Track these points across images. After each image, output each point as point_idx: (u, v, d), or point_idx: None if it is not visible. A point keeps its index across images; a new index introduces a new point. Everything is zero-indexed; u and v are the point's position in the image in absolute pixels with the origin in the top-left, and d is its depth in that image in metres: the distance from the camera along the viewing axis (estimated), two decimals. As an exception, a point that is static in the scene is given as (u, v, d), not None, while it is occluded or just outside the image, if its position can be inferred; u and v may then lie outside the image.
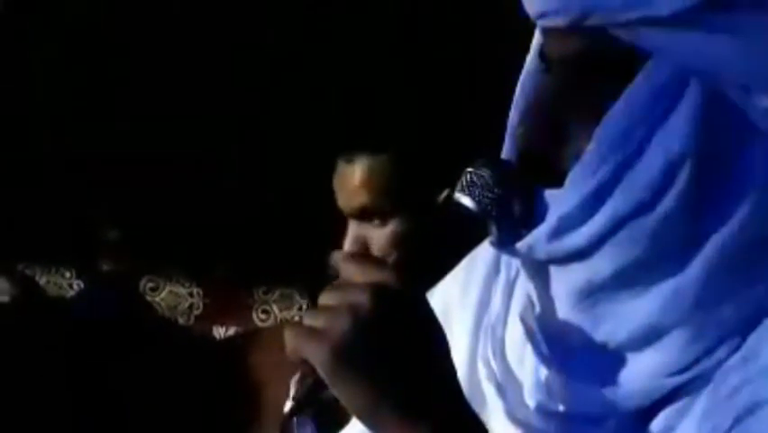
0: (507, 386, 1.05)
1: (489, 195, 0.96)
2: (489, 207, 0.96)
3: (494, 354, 1.08)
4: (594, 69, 0.95)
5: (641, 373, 0.97)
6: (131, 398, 3.15)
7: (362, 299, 0.89)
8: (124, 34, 3.30)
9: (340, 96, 3.12)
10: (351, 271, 0.92)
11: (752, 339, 0.95)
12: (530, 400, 1.02)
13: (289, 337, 0.90)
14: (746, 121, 0.94)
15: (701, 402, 0.95)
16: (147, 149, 3.34)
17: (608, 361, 0.98)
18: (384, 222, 2.08)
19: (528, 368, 1.03)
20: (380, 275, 0.91)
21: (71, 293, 3.35)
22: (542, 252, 0.97)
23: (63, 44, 3.30)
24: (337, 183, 2.16)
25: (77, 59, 3.31)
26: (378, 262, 0.94)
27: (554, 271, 0.99)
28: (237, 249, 3.27)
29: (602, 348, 0.98)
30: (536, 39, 1.01)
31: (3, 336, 3.20)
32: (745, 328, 0.95)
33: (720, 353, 0.95)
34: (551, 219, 0.96)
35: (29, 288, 3.30)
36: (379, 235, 2.09)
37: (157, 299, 3.36)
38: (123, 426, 3.14)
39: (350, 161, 2.13)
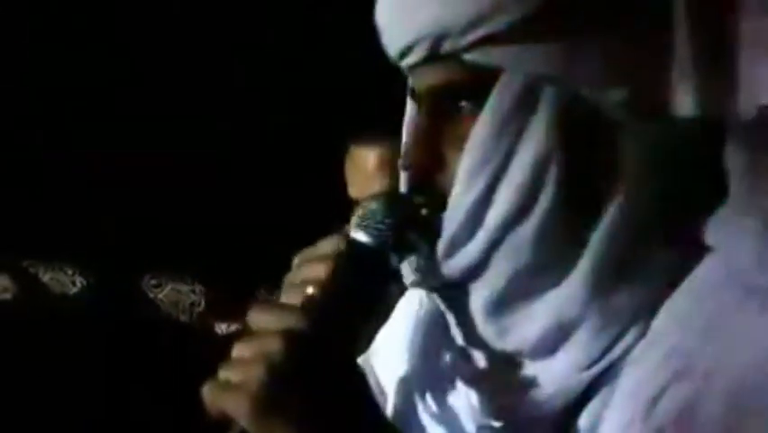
0: (444, 416, 1.08)
1: (382, 226, 0.98)
2: (385, 239, 0.98)
3: (429, 387, 1.10)
4: (458, 93, 0.99)
5: (557, 373, 1.00)
6: (133, 392, 3.16)
7: (274, 346, 0.90)
8: (125, 33, 3.31)
9: (349, 84, 3.13)
10: (261, 320, 0.93)
11: (657, 321, 0.98)
12: (468, 424, 1.05)
13: (207, 393, 0.91)
14: (602, 116, 0.97)
15: (620, 389, 0.97)
16: (150, 147, 3.35)
17: (525, 369, 1.02)
18: None
19: (461, 393, 1.06)
20: (289, 321, 0.92)
21: (74, 290, 3.36)
22: (438, 276, 1.01)
23: (64, 43, 3.31)
24: (351, 169, 2.15)
25: (79, 58, 3.32)
26: (286, 309, 0.94)
27: (460, 292, 1.02)
28: (239, 246, 3.28)
29: (517, 358, 1.02)
30: (410, 81, 1.05)
31: (6, 332, 3.21)
32: (646, 313, 0.98)
33: (627, 340, 0.98)
34: (442, 242, 1.00)
35: (32, 285, 3.32)
36: None
37: (159, 295, 3.37)
38: (125, 420, 3.15)
39: (364, 145, 2.12)
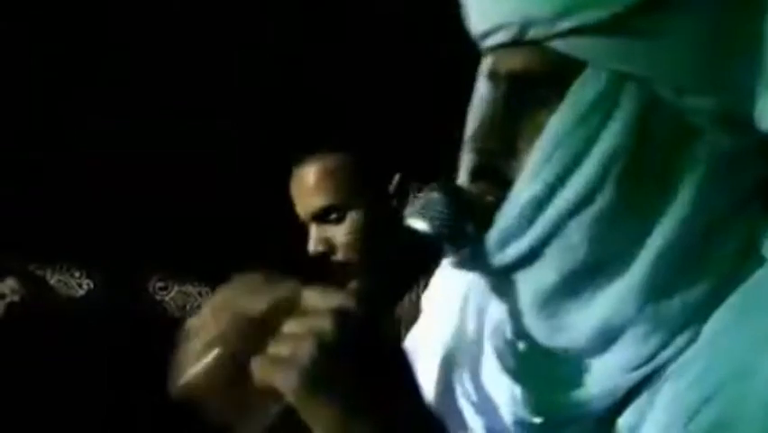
0: (482, 405, 1.08)
1: (441, 216, 0.99)
2: (442, 229, 0.99)
3: (469, 375, 1.11)
4: (537, 81, 0.99)
5: (603, 373, 1.00)
6: (138, 395, 3.17)
7: (325, 324, 0.91)
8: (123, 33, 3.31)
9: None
10: (312, 300, 0.94)
11: (708, 328, 0.98)
12: (507, 415, 1.05)
13: (257, 367, 0.92)
14: (683, 121, 0.96)
15: (666, 393, 0.97)
16: (156, 149, 3.35)
17: (572, 367, 1.02)
18: (342, 218, 2.13)
19: (503, 385, 1.06)
20: (341, 301, 0.93)
21: (81, 293, 3.36)
22: (488, 264, 1.01)
23: (65, 43, 3.31)
24: (293, 190, 2.22)
25: (78, 58, 3.32)
26: (338, 290, 0.96)
27: (509, 285, 1.02)
28: (246, 248, 3.28)
29: (564, 355, 1.02)
30: (484, 62, 1.05)
31: (14, 334, 3.22)
32: (699, 318, 0.98)
33: (677, 343, 0.98)
34: (495, 231, 1.00)
35: (39, 287, 3.32)
36: (339, 232, 2.14)
37: (167, 298, 3.37)
38: (130, 422, 3.15)
39: (299, 166, 2.19)
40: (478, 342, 1.11)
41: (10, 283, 3.29)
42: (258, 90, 3.30)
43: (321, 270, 2.18)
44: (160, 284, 3.37)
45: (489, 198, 1.01)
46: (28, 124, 3.33)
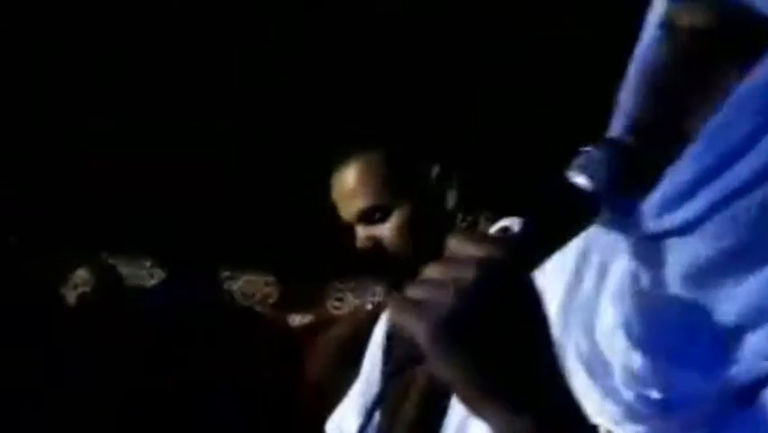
0: (596, 369, 1.01)
1: (606, 175, 0.92)
2: (604, 187, 0.92)
3: (583, 336, 1.03)
4: (724, 42, 0.91)
5: (745, 355, 0.93)
6: (206, 384, 3.20)
7: (468, 273, 0.84)
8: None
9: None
10: (458, 246, 0.87)
11: None
12: (622, 383, 0.98)
13: (392, 308, 0.86)
14: None
15: None
16: (225, 144, 3.38)
17: (713, 344, 0.94)
18: (387, 216, 2.11)
19: (619, 350, 0.99)
20: (489, 250, 0.85)
21: (151, 282, 3.40)
22: (648, 227, 0.93)
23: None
24: (334, 195, 2.19)
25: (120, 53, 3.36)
26: (488, 238, 0.88)
27: (658, 251, 0.95)
28: (313, 239, 3.30)
29: (708, 331, 0.94)
30: (656, 8, 0.97)
31: (85, 324, 3.27)
32: None
33: None
34: (660, 193, 0.92)
35: (110, 277, 3.36)
36: (386, 230, 2.11)
37: (234, 287, 3.40)
38: (197, 411, 3.18)
39: (338, 170, 2.16)
40: (594, 301, 1.04)
41: (81, 273, 3.34)
42: (293, 88, 3.32)
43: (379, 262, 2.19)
44: (228, 274, 3.40)
45: (654, 158, 0.92)
46: (100, 117, 3.38)
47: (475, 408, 0.86)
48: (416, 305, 0.85)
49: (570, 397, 0.89)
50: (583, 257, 1.06)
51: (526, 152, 2.22)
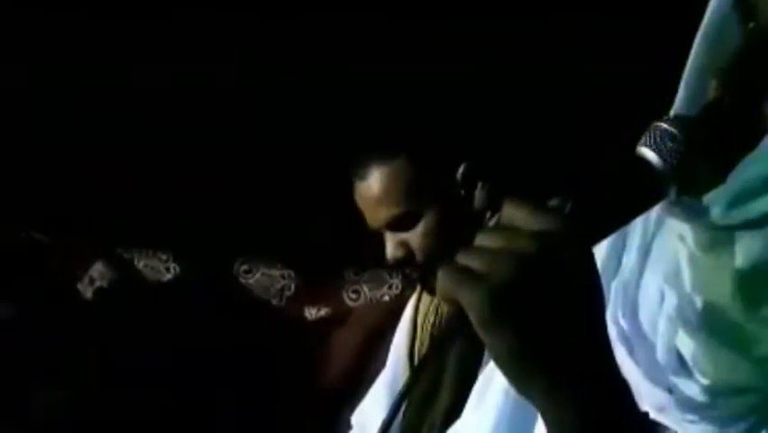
0: (638, 349, 0.98)
1: (678, 155, 0.87)
2: (675, 168, 0.87)
3: (624, 313, 1.00)
4: None
5: None
6: (224, 377, 3.20)
7: (529, 245, 0.80)
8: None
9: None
10: (516, 216, 0.83)
11: None
12: (664, 363, 0.96)
13: (443, 277, 0.82)
14: None
15: None
16: (240, 134, 3.38)
17: (760, 335, 0.92)
18: (416, 221, 2.07)
19: (662, 330, 0.97)
20: (550, 223, 0.81)
21: (168, 276, 3.40)
22: (718, 217, 0.90)
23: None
24: (359, 202, 2.16)
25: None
26: (548, 210, 0.84)
27: (727, 240, 0.92)
28: (327, 231, 3.29)
29: (764, 323, 0.92)
30: (714, 10, 0.94)
31: (102, 318, 3.27)
32: None
33: None
34: (734, 183, 0.89)
35: (127, 271, 3.36)
36: (415, 236, 2.08)
37: (251, 281, 3.39)
38: (214, 404, 3.18)
39: (361, 178, 2.13)
40: (638, 278, 1.01)
41: (98, 268, 3.34)
42: (311, 81, 3.31)
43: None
44: (244, 267, 3.40)
45: (730, 143, 0.88)
46: (116, 111, 3.38)
47: (523, 384, 0.84)
48: (471, 274, 0.81)
49: (623, 382, 0.86)
50: (621, 232, 1.01)
51: (551, 144, 2.19)
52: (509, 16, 3.15)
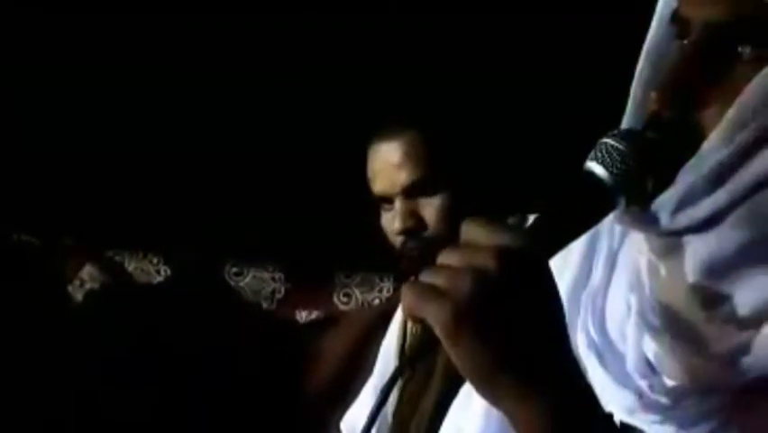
0: (607, 356, 1.01)
1: (624, 167, 0.91)
2: (622, 180, 0.91)
3: (593, 324, 1.03)
4: (741, 35, 0.90)
5: (761, 346, 0.93)
6: (215, 381, 3.20)
7: (488, 261, 0.84)
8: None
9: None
10: (474, 233, 0.87)
11: None
12: (634, 372, 0.99)
13: (408, 295, 0.86)
14: None
15: None
16: (230, 138, 3.38)
17: (728, 335, 0.94)
18: (435, 191, 2.04)
19: (631, 340, 1.00)
20: (507, 239, 0.85)
21: (159, 279, 3.40)
22: (665, 224, 0.93)
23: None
24: (376, 164, 2.12)
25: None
26: (504, 226, 0.87)
27: (678, 244, 0.94)
28: (318, 234, 3.30)
29: (723, 322, 0.94)
30: (664, 4, 0.98)
31: (94, 320, 3.26)
32: None
33: None
34: (676, 190, 0.92)
35: (117, 274, 3.36)
36: (430, 208, 2.05)
37: (241, 283, 3.39)
38: (203, 406, 3.18)
39: (386, 139, 2.10)
40: (605, 289, 1.05)
41: (88, 270, 3.34)
42: (325, 78, 3.31)
43: (393, 255, 2.18)
44: (234, 270, 3.40)
45: (671, 151, 0.92)
46: (106, 114, 3.38)
47: (492, 395, 0.87)
48: (435, 292, 0.85)
49: (587, 384, 0.89)
50: (591, 245, 1.07)
51: (536, 147, 2.19)
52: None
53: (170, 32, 3.34)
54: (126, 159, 3.34)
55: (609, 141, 0.93)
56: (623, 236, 1.05)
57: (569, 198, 0.92)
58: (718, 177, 0.91)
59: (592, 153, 0.93)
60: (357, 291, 3.35)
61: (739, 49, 0.90)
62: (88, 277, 3.33)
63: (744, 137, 0.89)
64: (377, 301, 3.32)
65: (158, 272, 3.40)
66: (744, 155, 0.90)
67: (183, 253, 3.39)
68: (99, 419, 3.10)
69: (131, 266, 3.39)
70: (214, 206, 3.35)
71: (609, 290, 1.05)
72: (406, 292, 0.86)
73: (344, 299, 3.35)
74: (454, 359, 0.85)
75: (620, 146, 0.92)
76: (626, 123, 1.00)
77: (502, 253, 0.84)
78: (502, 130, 2.12)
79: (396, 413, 2.12)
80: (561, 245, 0.92)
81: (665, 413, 0.97)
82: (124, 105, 3.36)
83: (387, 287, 3.32)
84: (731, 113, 0.90)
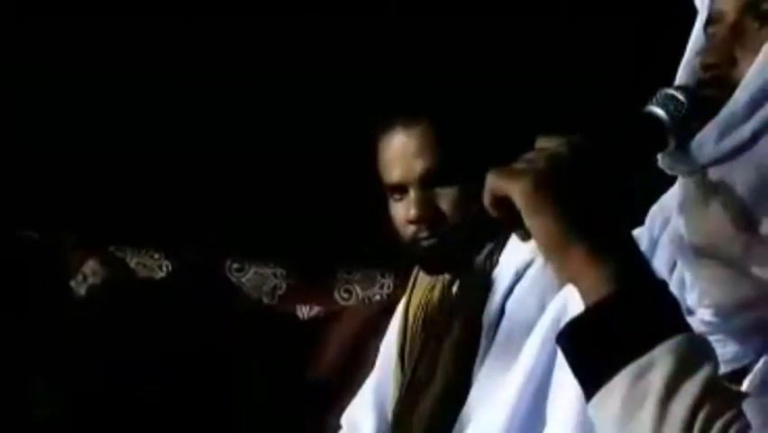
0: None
1: (679, 112, 1.11)
2: (676, 122, 1.11)
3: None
4: (761, 11, 1.12)
5: None
6: (217, 376, 3.20)
7: (561, 149, 1.03)
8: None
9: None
10: (542, 143, 1.06)
11: None
12: (670, 283, 1.11)
13: (491, 178, 1.03)
14: None
15: None
16: (232, 135, 3.39)
17: (753, 256, 1.08)
18: (450, 183, 2.03)
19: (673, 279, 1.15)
20: (573, 140, 1.04)
21: (161, 274, 3.40)
22: (710, 150, 1.09)
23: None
24: (390, 153, 2.10)
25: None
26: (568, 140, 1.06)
27: (718, 177, 1.10)
28: (319, 230, 3.30)
29: (761, 243, 1.08)
30: (702, 15, 1.19)
31: (96, 315, 3.27)
32: None
33: None
34: (718, 122, 1.09)
35: (120, 269, 3.37)
36: (448, 198, 2.03)
37: (242, 279, 3.40)
38: (206, 402, 3.19)
39: (401, 128, 2.08)
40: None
41: (91, 265, 3.34)
42: (333, 73, 3.32)
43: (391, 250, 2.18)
44: (236, 266, 3.41)
45: (716, 102, 1.11)
46: (107, 110, 3.39)
47: (562, 261, 1.02)
48: (516, 171, 1.02)
49: (645, 258, 1.05)
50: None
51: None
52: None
53: (171, 30, 3.35)
54: (128, 155, 3.35)
55: (668, 91, 1.13)
56: (663, 226, 1.20)
57: (630, 131, 1.10)
58: (751, 107, 1.08)
59: (652, 100, 1.12)
60: (358, 287, 3.36)
61: (756, 20, 1.12)
62: (91, 272, 3.34)
63: (766, 76, 1.08)
64: (377, 297, 3.33)
65: (159, 268, 3.40)
66: None
67: (185, 249, 3.40)
68: (100, 417, 3.10)
69: (132, 261, 3.40)
70: (216, 201, 3.36)
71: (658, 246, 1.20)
72: (490, 176, 1.04)
73: (345, 295, 3.36)
74: (532, 230, 1.02)
75: (678, 95, 1.12)
76: (678, 81, 1.18)
77: (571, 142, 1.04)
78: (519, 121, 2.10)
79: (396, 412, 2.13)
80: (621, 167, 1.08)
81: (712, 332, 1.09)
82: (127, 101, 3.36)
83: (388, 283, 3.33)
84: (757, 61, 1.09)
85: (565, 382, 1.15)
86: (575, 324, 1.01)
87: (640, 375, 0.97)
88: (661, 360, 0.98)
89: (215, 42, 3.37)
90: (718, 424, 0.97)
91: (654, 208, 1.23)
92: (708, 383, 0.98)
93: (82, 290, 3.32)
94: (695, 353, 1.00)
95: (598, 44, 3.10)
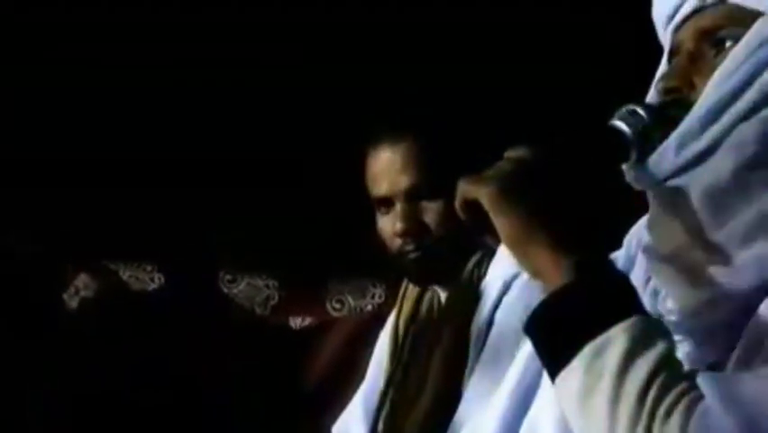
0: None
1: (641, 126, 1.20)
2: (638, 136, 1.19)
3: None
4: (721, 36, 1.22)
5: (755, 258, 1.12)
6: (209, 387, 3.21)
7: (527, 154, 1.12)
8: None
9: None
10: (511, 152, 1.14)
11: None
12: (644, 296, 1.19)
13: (462, 184, 1.12)
14: None
15: None
16: (224, 144, 3.39)
17: (723, 257, 1.14)
18: (435, 198, 2.06)
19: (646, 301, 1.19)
20: (539, 149, 1.13)
21: (153, 287, 3.41)
22: (669, 162, 1.18)
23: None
24: (377, 167, 2.12)
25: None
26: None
27: (679, 186, 1.17)
28: (311, 241, 3.31)
29: (719, 246, 1.15)
30: (666, 48, 1.29)
31: (88, 329, 3.28)
32: None
33: None
34: (679, 131, 1.18)
35: (112, 282, 3.37)
36: (433, 211, 2.06)
37: (235, 290, 3.41)
38: (198, 415, 3.19)
39: (387, 142, 2.11)
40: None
41: (83, 278, 3.35)
42: (325, 81, 3.32)
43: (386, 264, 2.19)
44: (228, 277, 3.41)
45: (675, 118, 1.19)
46: (102, 122, 3.39)
47: (526, 256, 1.10)
48: (484, 177, 1.11)
49: (606, 252, 1.15)
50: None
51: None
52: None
53: (167, 34, 3.35)
54: (120, 166, 3.35)
55: (630, 106, 1.21)
56: (639, 245, 1.28)
57: (592, 141, 1.18)
58: (708, 120, 1.17)
59: (616, 115, 1.21)
60: (350, 298, 3.37)
61: (721, 43, 1.22)
62: (83, 285, 3.34)
63: (721, 93, 1.17)
64: (369, 308, 3.34)
65: (152, 280, 3.41)
66: (724, 105, 1.17)
67: (177, 261, 3.40)
68: (95, 430, 3.11)
69: (125, 274, 3.40)
70: (208, 213, 3.36)
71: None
72: (461, 183, 1.12)
73: (337, 306, 3.37)
74: (498, 229, 1.10)
75: (639, 110, 1.21)
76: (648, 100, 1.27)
77: (535, 150, 1.12)
78: (504, 134, 2.11)
79: (387, 423, 2.13)
80: (580, 175, 1.15)
81: (680, 331, 1.15)
82: (119, 112, 3.36)
83: (379, 293, 3.34)
84: (712, 80, 1.18)
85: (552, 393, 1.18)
86: (538, 312, 1.10)
87: (597, 354, 1.05)
88: (616, 339, 1.05)
89: (213, 42, 3.37)
90: (671, 394, 1.03)
91: (632, 231, 1.33)
92: (661, 358, 1.05)
93: (74, 304, 3.32)
94: (649, 331, 1.07)
95: (580, 58, 3.11)
